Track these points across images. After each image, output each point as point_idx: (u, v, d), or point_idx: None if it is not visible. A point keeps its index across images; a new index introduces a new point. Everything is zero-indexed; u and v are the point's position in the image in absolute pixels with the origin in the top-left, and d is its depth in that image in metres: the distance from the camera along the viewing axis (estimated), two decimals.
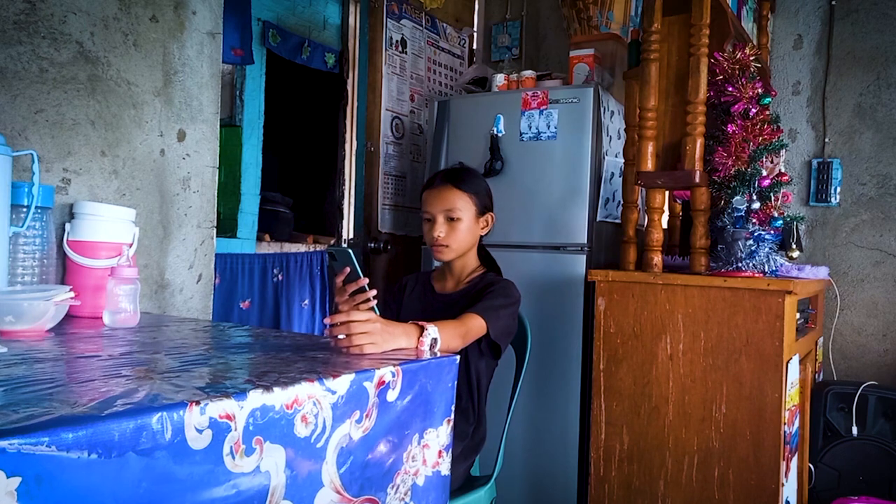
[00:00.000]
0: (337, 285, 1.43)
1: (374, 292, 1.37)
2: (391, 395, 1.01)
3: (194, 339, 1.25)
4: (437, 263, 1.84)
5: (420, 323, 1.28)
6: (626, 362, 2.09)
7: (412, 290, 1.86)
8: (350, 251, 1.35)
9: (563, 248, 2.49)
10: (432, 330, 1.27)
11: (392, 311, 1.86)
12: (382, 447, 1.00)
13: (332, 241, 3.00)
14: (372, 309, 1.34)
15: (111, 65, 1.68)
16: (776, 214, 1.99)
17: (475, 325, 1.55)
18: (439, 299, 1.80)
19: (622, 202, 2.33)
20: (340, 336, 1.15)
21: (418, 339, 1.25)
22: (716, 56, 2.05)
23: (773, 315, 1.87)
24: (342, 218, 3.01)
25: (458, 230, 1.72)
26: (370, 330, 1.14)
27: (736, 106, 2.01)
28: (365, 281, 1.37)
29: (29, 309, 1.16)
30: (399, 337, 1.21)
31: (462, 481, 1.66)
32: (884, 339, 2.83)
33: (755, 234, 1.96)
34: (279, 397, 0.83)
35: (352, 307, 1.37)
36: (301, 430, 0.86)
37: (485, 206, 1.77)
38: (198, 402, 0.74)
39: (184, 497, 0.72)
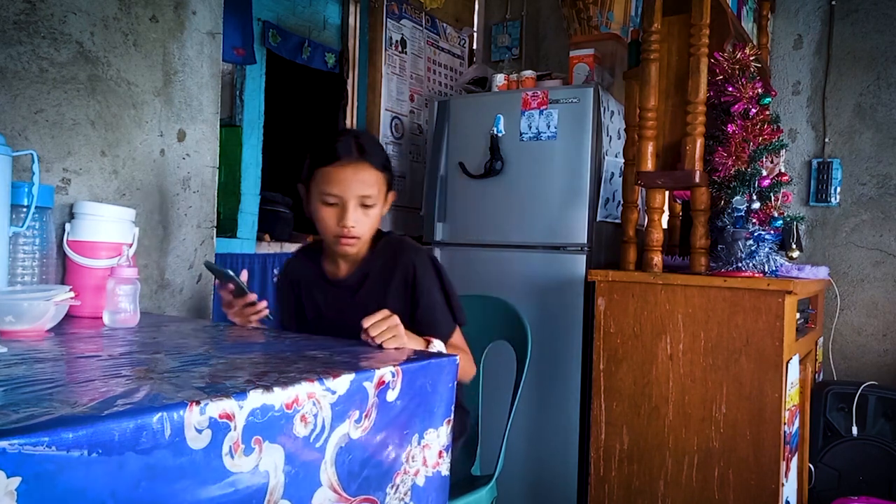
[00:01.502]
0: (225, 298, 1.44)
1: (264, 303, 1.41)
2: (391, 395, 1.01)
3: (194, 339, 1.25)
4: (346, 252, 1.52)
5: (426, 338, 1.33)
6: (626, 362, 2.09)
7: (306, 284, 1.59)
8: (229, 272, 1.38)
9: (563, 248, 2.49)
10: (438, 344, 1.33)
11: (289, 312, 1.63)
12: (381, 447, 1.00)
13: None
14: (268, 318, 1.43)
15: (111, 65, 1.68)
16: (776, 214, 1.99)
17: (461, 343, 1.53)
18: (340, 288, 1.53)
19: (622, 202, 2.33)
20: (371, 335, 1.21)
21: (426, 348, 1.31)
22: (716, 56, 2.05)
23: (773, 315, 1.87)
24: None
25: (371, 218, 1.44)
26: (391, 326, 1.21)
27: (736, 106, 2.01)
28: (253, 296, 1.40)
29: (29, 309, 1.16)
30: (417, 342, 1.30)
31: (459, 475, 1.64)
32: (884, 339, 2.82)
33: (755, 234, 1.96)
34: (279, 397, 0.83)
35: (244, 319, 1.43)
36: (300, 430, 0.86)
37: (391, 183, 1.50)
38: (198, 402, 0.74)
39: (183, 496, 0.72)
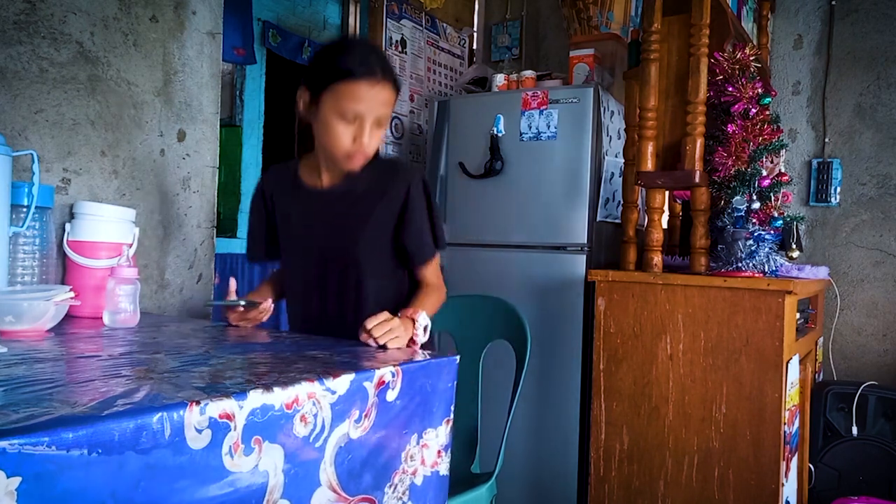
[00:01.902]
0: (233, 319, 1.45)
1: (268, 303, 1.43)
2: (391, 395, 1.02)
3: (194, 339, 1.25)
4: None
5: (412, 316, 1.33)
6: (626, 362, 2.09)
7: (280, 194, 1.55)
8: (234, 300, 1.41)
9: (563, 248, 2.49)
10: (423, 318, 1.34)
11: (261, 224, 1.59)
12: (381, 447, 1.00)
13: None
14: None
15: (111, 65, 1.68)
16: (776, 214, 1.99)
17: (433, 278, 1.54)
18: (320, 198, 1.49)
19: (622, 202, 2.33)
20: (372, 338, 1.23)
21: (413, 330, 1.32)
22: (716, 56, 2.05)
23: (773, 315, 1.87)
24: None
25: (380, 139, 1.41)
26: (393, 328, 1.24)
27: (736, 106, 2.01)
28: (267, 304, 1.43)
29: (29, 309, 1.16)
30: (409, 329, 1.30)
31: None
32: (884, 339, 2.83)
33: (755, 234, 1.96)
34: (279, 397, 0.83)
35: (251, 321, 1.44)
36: (300, 430, 0.86)
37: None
38: (198, 402, 0.74)
39: (182, 496, 0.72)
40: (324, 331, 1.43)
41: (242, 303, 1.38)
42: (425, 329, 1.34)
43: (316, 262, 1.50)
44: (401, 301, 1.49)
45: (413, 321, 1.33)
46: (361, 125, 1.34)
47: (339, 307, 1.49)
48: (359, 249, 1.46)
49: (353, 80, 1.32)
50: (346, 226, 1.46)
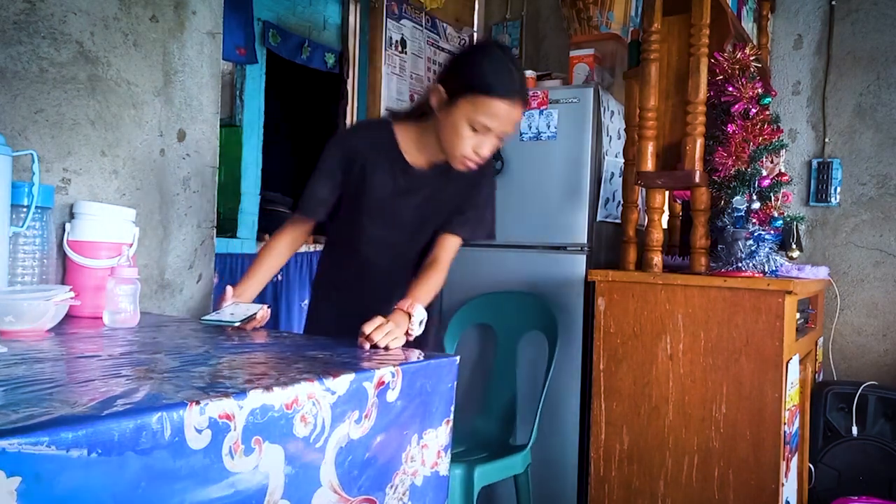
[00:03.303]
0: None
1: (263, 311, 1.40)
2: (391, 396, 1.02)
3: (194, 339, 1.25)
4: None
5: (408, 310, 1.35)
6: (626, 362, 2.09)
7: (377, 161, 1.53)
8: (230, 321, 1.37)
9: (563, 248, 2.49)
10: (419, 313, 1.36)
11: (332, 183, 1.53)
12: (381, 447, 1.00)
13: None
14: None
15: (111, 65, 1.68)
16: (776, 214, 1.99)
17: (450, 257, 1.57)
18: (420, 177, 1.54)
19: (622, 202, 2.33)
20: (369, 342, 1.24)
21: (409, 324, 1.34)
22: (716, 56, 2.05)
23: (773, 315, 1.87)
24: None
25: (494, 149, 1.47)
26: (391, 330, 1.25)
27: (736, 106, 2.01)
28: (265, 312, 1.40)
29: (29, 309, 1.16)
30: (403, 326, 1.31)
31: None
32: (884, 339, 2.82)
33: (755, 234, 1.96)
34: (279, 397, 0.83)
35: (252, 325, 1.41)
36: (300, 430, 0.86)
37: None
38: (197, 402, 0.74)
39: (182, 496, 0.72)
40: (364, 301, 1.49)
41: (236, 322, 1.34)
42: (421, 322, 1.36)
43: (399, 237, 1.54)
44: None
45: (409, 315, 1.34)
46: (486, 137, 1.40)
47: (389, 281, 1.56)
48: (432, 232, 1.57)
49: (494, 98, 1.36)
50: (435, 210, 1.57)
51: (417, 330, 1.35)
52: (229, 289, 1.46)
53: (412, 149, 1.54)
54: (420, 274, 1.51)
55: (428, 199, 1.56)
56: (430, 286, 1.49)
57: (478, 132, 1.39)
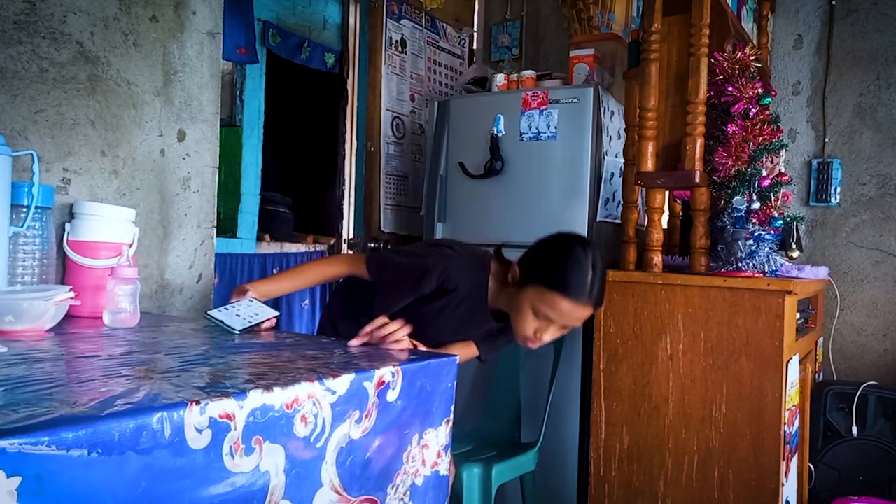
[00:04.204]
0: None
1: (271, 322, 1.37)
2: (391, 396, 1.02)
3: (194, 339, 1.25)
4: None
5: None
6: (626, 362, 2.09)
7: (461, 303, 1.58)
8: (234, 329, 1.33)
9: None
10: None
11: (408, 290, 1.53)
12: (382, 447, 1.00)
13: (331, 242, 3.00)
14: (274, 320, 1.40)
15: (111, 65, 1.68)
16: (776, 214, 1.99)
17: (470, 353, 1.73)
18: (483, 320, 1.62)
19: (622, 202, 2.33)
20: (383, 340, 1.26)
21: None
22: (716, 56, 2.05)
23: (773, 315, 1.87)
24: (342, 218, 3.01)
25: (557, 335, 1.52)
26: (395, 329, 1.26)
27: (736, 106, 2.01)
28: (237, 329, 1.35)
29: (29, 309, 1.16)
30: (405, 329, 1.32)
31: None
32: (884, 339, 2.82)
33: (755, 234, 1.96)
34: (279, 397, 0.83)
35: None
36: (301, 430, 0.86)
37: None
38: (198, 402, 0.74)
39: (183, 496, 0.72)
40: None
41: (237, 331, 1.30)
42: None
43: (420, 338, 1.46)
44: None
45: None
46: (548, 326, 1.45)
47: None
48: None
49: (562, 296, 1.41)
50: (468, 335, 1.71)
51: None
52: (248, 286, 1.45)
53: (493, 294, 1.58)
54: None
55: (473, 330, 1.69)
56: (462, 347, 1.67)
57: (540, 318, 1.44)
